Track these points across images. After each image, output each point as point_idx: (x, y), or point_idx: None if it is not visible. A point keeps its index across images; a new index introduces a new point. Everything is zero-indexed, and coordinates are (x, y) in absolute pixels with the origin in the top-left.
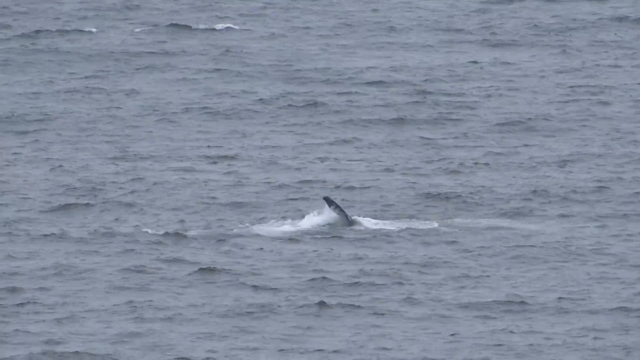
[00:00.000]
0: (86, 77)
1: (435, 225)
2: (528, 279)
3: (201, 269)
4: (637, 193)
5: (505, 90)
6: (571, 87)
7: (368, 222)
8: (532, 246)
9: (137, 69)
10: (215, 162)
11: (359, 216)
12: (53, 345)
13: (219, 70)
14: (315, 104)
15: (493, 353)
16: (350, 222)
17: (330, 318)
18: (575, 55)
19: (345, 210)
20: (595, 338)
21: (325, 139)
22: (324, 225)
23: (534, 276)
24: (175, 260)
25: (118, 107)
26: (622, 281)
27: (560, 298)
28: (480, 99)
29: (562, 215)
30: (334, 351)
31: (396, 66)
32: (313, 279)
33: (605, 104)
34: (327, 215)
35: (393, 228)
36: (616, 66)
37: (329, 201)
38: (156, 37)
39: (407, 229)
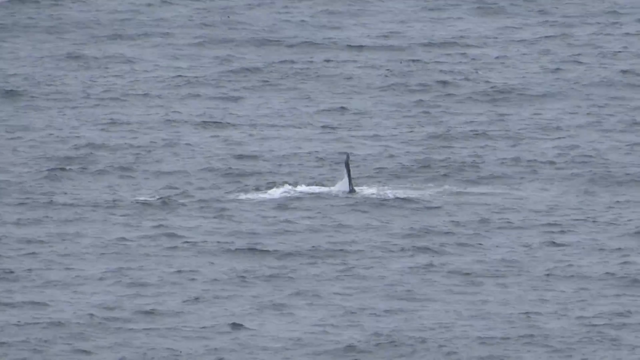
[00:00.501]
0: (75, 44)
1: (429, 193)
2: (517, 246)
3: (189, 236)
4: (627, 161)
5: (495, 59)
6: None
7: (364, 190)
8: (519, 213)
9: (125, 37)
10: (205, 129)
11: (356, 185)
12: (41, 310)
13: (207, 37)
14: (299, 71)
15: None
16: (352, 190)
17: (317, 285)
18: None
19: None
20: (583, 305)
21: (315, 106)
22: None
23: (523, 243)
24: (165, 227)
25: (109, 76)
26: (610, 249)
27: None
28: (470, 68)
29: (549, 183)
30: (320, 320)
31: (386, 33)
32: (313, 246)
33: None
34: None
35: (388, 196)
36: (605, 34)
37: (347, 164)
38: (145, 3)
39: (400, 198)
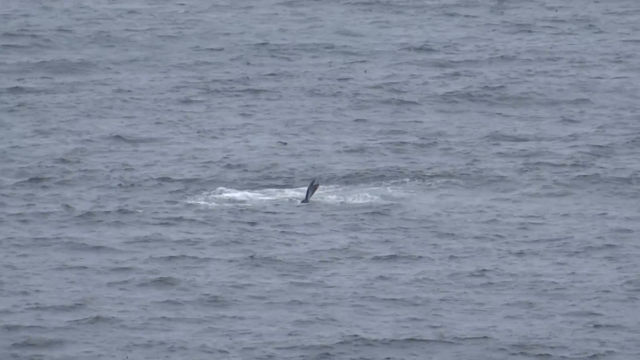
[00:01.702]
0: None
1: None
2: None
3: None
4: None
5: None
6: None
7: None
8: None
9: (107, 47)
10: (184, 134)
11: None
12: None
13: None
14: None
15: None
16: (306, 200)
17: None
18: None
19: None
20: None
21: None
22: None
23: (507, 251)
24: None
25: (89, 90)
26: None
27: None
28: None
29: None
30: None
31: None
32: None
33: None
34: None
35: (354, 203)
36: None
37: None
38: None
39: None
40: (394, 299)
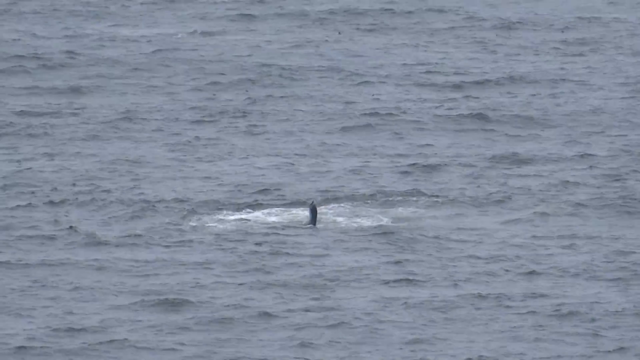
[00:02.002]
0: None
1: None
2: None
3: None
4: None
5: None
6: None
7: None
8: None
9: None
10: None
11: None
12: None
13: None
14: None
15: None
16: (314, 223)
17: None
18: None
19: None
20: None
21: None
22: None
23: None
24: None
25: (97, 112)
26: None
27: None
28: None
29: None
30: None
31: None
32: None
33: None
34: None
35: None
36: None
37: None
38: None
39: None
40: (402, 322)
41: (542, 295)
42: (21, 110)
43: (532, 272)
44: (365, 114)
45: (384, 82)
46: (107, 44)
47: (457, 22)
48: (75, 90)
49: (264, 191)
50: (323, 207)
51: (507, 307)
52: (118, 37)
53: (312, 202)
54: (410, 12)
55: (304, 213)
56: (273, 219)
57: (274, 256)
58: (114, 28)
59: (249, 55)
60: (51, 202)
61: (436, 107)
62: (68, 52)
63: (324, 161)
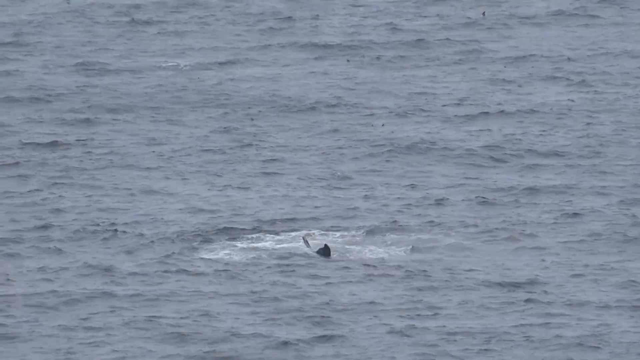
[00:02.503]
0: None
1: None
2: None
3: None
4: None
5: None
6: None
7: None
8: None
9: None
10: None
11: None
12: None
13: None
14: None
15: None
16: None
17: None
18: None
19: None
20: None
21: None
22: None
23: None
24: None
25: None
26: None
27: None
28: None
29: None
30: None
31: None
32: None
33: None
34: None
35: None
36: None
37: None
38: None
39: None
40: (416, 353)
41: (558, 326)
42: (30, 142)
43: (548, 303)
44: (376, 144)
45: (395, 113)
46: (118, 74)
47: (465, 53)
48: (86, 121)
49: (275, 220)
50: (337, 234)
51: (525, 338)
52: (129, 67)
53: (303, 237)
54: (419, 41)
55: (317, 241)
56: (283, 246)
57: (286, 285)
58: (125, 58)
59: (258, 88)
60: (63, 232)
61: (447, 138)
62: (74, 83)
63: (335, 190)
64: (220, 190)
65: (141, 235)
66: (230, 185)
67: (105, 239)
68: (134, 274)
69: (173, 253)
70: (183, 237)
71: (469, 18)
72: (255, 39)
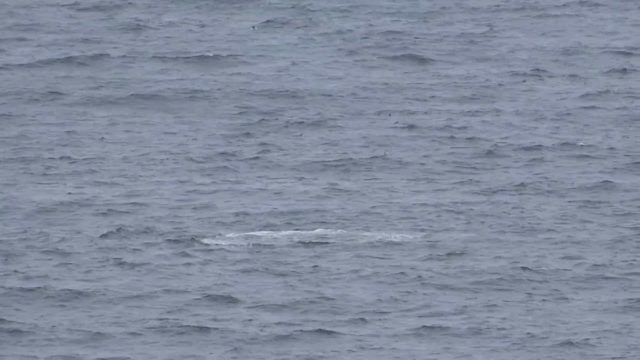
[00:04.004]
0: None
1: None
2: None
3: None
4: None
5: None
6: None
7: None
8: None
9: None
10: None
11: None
12: None
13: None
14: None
15: None
16: None
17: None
18: None
19: None
20: None
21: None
22: None
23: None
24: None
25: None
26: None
27: None
28: None
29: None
30: None
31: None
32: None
33: None
34: None
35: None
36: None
37: None
38: None
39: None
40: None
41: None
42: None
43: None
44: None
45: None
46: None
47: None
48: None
49: (285, 214)
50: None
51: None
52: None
53: None
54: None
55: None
56: (295, 240)
57: (299, 280)
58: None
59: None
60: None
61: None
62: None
63: (346, 188)
64: (228, 185)
65: (148, 232)
66: (246, 179)
67: (104, 235)
68: (140, 268)
69: (175, 251)
70: (197, 229)
71: None
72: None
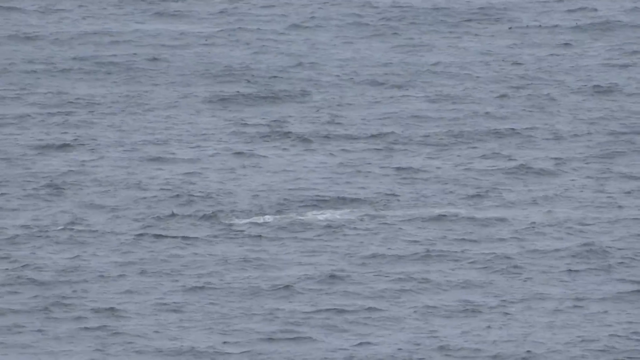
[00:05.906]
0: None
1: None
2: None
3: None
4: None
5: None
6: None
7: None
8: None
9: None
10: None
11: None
12: None
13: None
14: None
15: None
16: None
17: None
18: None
19: None
20: None
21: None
22: None
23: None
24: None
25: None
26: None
27: None
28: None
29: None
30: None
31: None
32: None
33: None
34: None
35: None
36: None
37: None
38: None
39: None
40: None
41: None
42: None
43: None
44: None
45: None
46: (141, 48)
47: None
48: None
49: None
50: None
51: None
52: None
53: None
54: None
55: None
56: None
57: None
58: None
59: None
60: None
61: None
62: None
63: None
64: (236, 169)
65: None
66: (243, 164)
67: (134, 215)
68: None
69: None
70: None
71: None
72: None
